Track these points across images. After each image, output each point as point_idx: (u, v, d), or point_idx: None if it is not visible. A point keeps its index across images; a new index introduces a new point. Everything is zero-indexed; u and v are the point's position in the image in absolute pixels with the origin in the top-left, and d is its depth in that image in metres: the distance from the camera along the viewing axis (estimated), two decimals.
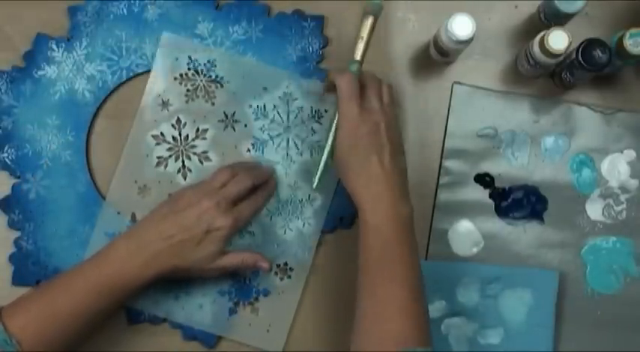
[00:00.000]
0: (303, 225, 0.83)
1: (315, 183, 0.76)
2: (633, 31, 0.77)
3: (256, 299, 0.82)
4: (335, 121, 0.74)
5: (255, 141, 0.83)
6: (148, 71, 0.84)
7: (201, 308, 0.81)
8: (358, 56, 0.75)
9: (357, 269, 0.70)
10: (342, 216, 0.83)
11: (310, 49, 0.85)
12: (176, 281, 0.80)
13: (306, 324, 0.83)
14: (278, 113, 0.83)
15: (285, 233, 0.82)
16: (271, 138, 0.83)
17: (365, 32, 0.75)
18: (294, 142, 0.83)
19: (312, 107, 0.83)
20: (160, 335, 0.82)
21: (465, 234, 0.84)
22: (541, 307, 0.82)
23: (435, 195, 0.84)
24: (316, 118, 0.84)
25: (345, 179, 0.72)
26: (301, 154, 0.83)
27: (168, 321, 0.82)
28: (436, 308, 0.82)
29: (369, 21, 0.75)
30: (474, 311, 0.82)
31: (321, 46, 0.85)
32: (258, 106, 0.83)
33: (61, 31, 0.84)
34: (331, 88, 0.74)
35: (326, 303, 0.83)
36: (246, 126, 0.83)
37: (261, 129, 0.83)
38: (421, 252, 0.83)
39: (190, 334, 0.81)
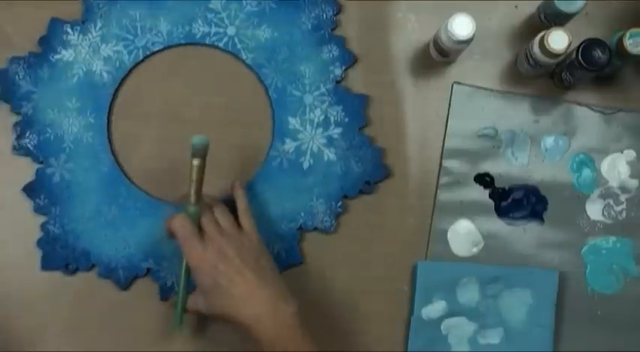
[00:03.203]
0: None
1: (177, 323, 0.74)
2: (633, 31, 0.77)
3: None
4: (184, 264, 0.73)
5: None
6: (164, 49, 0.84)
7: None
8: (192, 200, 0.72)
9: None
10: (367, 180, 0.83)
11: (324, 16, 0.84)
12: None
13: (305, 324, 0.82)
14: None
15: None
16: None
17: (194, 175, 0.71)
18: None
19: None
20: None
21: (465, 234, 0.83)
22: (541, 307, 0.82)
23: (434, 195, 0.84)
24: None
25: (222, 312, 0.71)
26: None
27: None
28: (436, 308, 0.82)
29: (195, 164, 0.71)
30: (474, 311, 0.82)
31: (335, 12, 0.84)
32: None
33: (75, 14, 0.83)
34: (171, 234, 0.72)
35: (325, 303, 0.83)
36: None
37: None
38: (421, 252, 0.83)
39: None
